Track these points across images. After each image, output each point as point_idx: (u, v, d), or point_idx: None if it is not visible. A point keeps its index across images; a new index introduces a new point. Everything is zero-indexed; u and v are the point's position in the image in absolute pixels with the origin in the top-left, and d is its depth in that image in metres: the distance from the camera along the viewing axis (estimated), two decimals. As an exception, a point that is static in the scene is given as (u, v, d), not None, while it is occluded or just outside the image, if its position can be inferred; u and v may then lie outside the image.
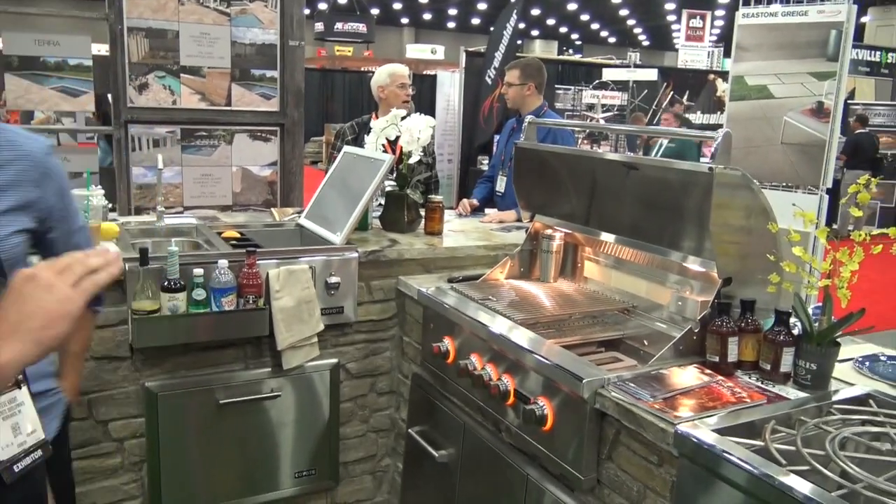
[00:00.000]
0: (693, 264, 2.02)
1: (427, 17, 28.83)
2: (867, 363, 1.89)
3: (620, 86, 9.19)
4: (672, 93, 9.73)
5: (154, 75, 3.65)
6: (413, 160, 2.93)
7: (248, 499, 2.46)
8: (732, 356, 1.82)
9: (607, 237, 2.37)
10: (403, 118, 2.96)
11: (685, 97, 9.80)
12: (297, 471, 2.51)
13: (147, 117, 3.65)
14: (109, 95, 3.79)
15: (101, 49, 4.13)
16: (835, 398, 1.69)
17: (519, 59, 4.33)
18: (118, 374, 2.23)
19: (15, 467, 1.06)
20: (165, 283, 2.19)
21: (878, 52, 11.22)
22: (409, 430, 2.45)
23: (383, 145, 3.04)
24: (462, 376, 2.14)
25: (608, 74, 9.37)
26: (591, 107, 8.94)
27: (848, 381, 1.80)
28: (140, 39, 3.62)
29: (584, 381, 1.71)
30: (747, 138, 4.23)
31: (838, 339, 1.75)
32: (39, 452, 1.11)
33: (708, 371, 1.81)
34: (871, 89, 11.21)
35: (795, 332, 1.77)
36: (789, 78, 4.06)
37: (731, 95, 4.33)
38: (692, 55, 15.04)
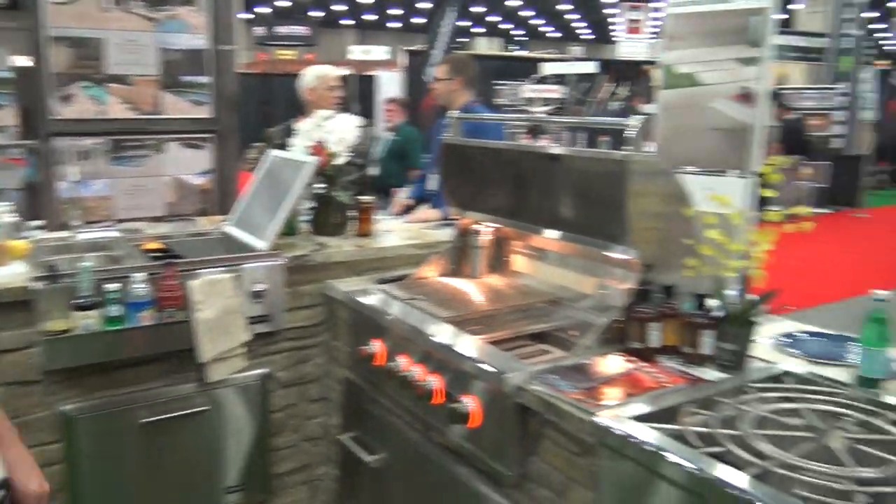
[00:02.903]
0: (615, 252, 2.02)
1: (370, 17, 28.70)
2: (786, 341, 1.91)
3: (559, 79, 9.25)
4: (616, 84, 9.84)
5: (79, 85, 3.51)
6: (341, 161, 2.88)
7: (179, 519, 2.38)
8: (654, 342, 1.82)
9: (535, 230, 2.36)
10: (328, 118, 2.90)
11: (628, 88, 9.92)
12: (227, 486, 2.44)
13: (73, 129, 3.50)
14: (40, 108, 3.64)
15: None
16: (752, 377, 1.70)
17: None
18: (30, 399, 2.13)
19: None
20: (77, 301, 2.10)
21: (807, 38, 11.54)
22: (340, 437, 2.40)
23: (314, 147, 2.98)
24: (391, 378, 2.10)
25: (546, 69, 9.43)
26: (530, 101, 8.99)
27: (768, 359, 1.82)
28: (64, 49, 3.48)
29: (505, 375, 1.69)
30: (679, 126, 4.27)
31: (756, 319, 1.77)
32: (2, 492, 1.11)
33: (631, 358, 1.81)
34: (802, 74, 11.53)
35: (716, 314, 1.78)
36: (716, 65, 4.11)
37: (662, 84, 4.37)
38: (632, 48, 15.26)
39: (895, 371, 1.70)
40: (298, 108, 3.98)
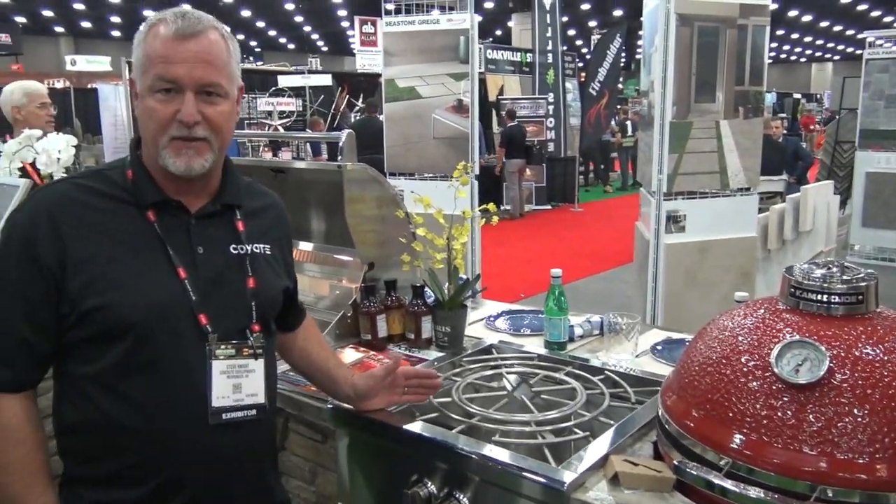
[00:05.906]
0: (343, 255, 2.20)
1: (87, 25, 26.34)
2: (493, 320, 2.24)
3: (296, 92, 9.35)
4: (348, 96, 10.15)
5: None
6: (57, 183, 2.72)
7: None
8: (382, 332, 2.03)
9: (270, 240, 2.46)
10: (39, 138, 2.74)
11: (360, 100, 10.29)
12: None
13: None
14: None
15: None
16: (467, 352, 1.97)
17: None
18: None
19: (224, 415, 1.21)
20: None
21: (518, 53, 12.88)
22: None
23: (21, 169, 2.78)
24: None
25: (283, 81, 9.48)
26: (269, 114, 8.98)
27: (479, 336, 2.11)
28: None
29: (246, 379, 1.77)
30: (405, 135, 4.63)
31: (467, 304, 2.05)
32: (253, 412, 1.25)
33: (363, 348, 1.99)
34: (518, 85, 12.85)
35: (431, 301, 2.03)
36: (432, 79, 4.53)
37: (385, 97, 4.70)
38: (368, 59, 15.80)
39: (576, 333, 2.08)
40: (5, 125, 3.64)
